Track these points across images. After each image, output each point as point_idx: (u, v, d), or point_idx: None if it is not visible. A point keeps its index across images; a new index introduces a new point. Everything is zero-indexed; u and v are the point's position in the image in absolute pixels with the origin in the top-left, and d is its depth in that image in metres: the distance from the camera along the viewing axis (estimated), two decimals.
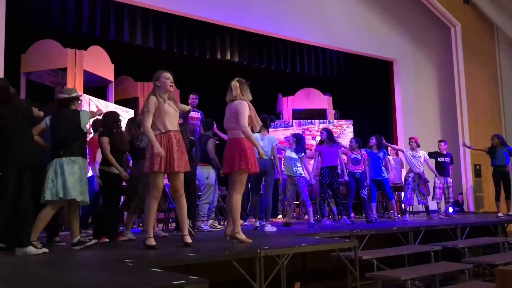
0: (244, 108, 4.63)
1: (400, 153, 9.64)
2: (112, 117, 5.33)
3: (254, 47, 10.23)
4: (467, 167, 11.65)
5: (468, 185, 11.61)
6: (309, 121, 10.99)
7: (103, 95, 8.36)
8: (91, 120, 5.78)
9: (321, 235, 5.48)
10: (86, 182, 4.49)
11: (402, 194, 10.20)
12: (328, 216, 7.81)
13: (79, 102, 4.77)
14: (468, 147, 10.15)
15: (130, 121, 5.84)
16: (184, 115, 6.99)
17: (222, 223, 7.59)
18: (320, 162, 7.52)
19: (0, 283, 2.73)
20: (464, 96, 11.83)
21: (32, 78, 7.97)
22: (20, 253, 3.82)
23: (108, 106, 7.97)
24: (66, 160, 4.30)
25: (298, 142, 7.21)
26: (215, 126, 6.93)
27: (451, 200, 8.99)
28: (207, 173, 6.59)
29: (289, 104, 11.33)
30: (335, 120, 11.25)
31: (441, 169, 8.76)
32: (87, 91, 7.90)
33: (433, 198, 8.79)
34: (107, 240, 5.02)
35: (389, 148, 8.87)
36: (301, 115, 11.66)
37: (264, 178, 6.56)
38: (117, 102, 8.76)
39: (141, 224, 7.03)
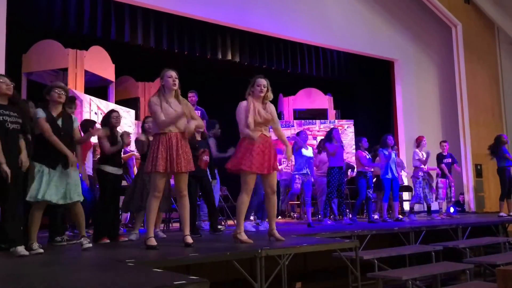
0: (238, 109, 4.64)
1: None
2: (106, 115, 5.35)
3: (255, 47, 10.23)
4: (468, 167, 11.64)
5: (469, 185, 11.60)
6: (310, 121, 10.99)
7: (104, 95, 8.37)
8: None
9: (322, 235, 5.48)
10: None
11: (405, 194, 10.23)
12: (329, 216, 7.80)
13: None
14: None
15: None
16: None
17: (223, 223, 7.59)
18: (328, 161, 7.49)
19: (1, 283, 2.74)
20: (465, 96, 11.81)
21: (33, 78, 7.98)
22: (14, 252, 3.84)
23: (109, 106, 7.98)
24: None
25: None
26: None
27: (452, 199, 8.99)
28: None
29: (290, 104, 11.33)
30: (336, 120, 11.25)
31: (443, 171, 8.76)
32: (88, 91, 7.90)
33: (436, 198, 8.79)
34: (108, 241, 5.02)
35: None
36: (302, 115, 11.66)
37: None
38: (118, 102, 8.77)
39: (142, 225, 7.02)
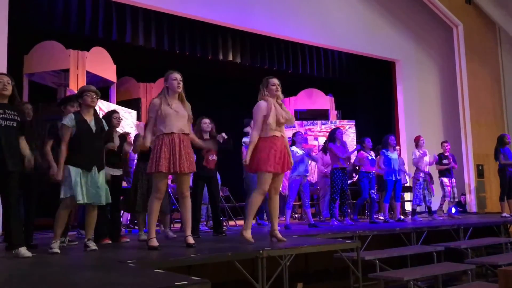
0: (256, 109, 4.62)
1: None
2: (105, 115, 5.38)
3: (256, 48, 10.23)
4: (469, 168, 11.63)
5: (470, 186, 11.59)
6: (311, 121, 10.99)
7: (105, 96, 8.37)
8: None
9: (324, 236, 5.48)
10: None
11: (406, 194, 10.22)
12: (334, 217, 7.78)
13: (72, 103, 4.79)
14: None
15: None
16: None
17: (224, 224, 7.58)
18: (332, 161, 7.47)
19: (5, 284, 2.74)
20: (466, 96, 11.81)
21: (34, 79, 7.99)
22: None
23: (110, 107, 7.99)
24: None
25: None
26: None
27: (455, 200, 8.98)
28: None
29: (291, 104, 11.33)
30: (338, 121, 11.25)
31: (446, 170, 8.75)
32: None
33: (443, 196, 8.80)
34: (110, 241, 5.02)
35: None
36: (303, 115, 11.67)
37: None
38: (119, 103, 8.78)
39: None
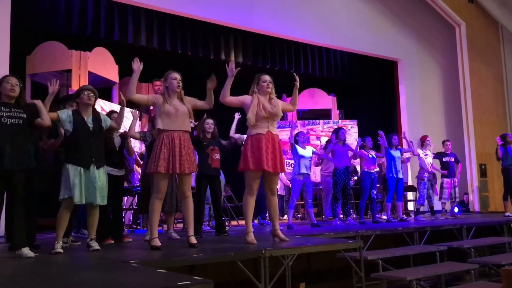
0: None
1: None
2: None
3: (258, 48, 10.22)
4: (472, 167, 11.60)
5: (473, 185, 11.56)
6: (314, 121, 10.98)
7: (108, 97, 8.38)
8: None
9: (326, 236, 5.47)
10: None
11: (409, 194, 10.20)
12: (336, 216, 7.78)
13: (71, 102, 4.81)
14: None
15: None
16: (145, 108, 6.90)
17: (226, 224, 7.58)
18: (332, 162, 7.46)
19: (8, 283, 2.75)
20: (469, 95, 11.78)
21: (37, 80, 8.00)
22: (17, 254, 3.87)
23: (112, 107, 7.99)
24: None
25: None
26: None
27: (457, 200, 8.96)
28: None
29: None
30: (340, 120, 11.24)
31: (448, 169, 8.73)
32: None
33: (440, 198, 8.77)
34: (112, 241, 5.03)
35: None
36: (305, 115, 11.66)
37: None
38: None
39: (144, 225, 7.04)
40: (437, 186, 8.75)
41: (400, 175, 7.82)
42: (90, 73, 7.89)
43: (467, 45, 11.91)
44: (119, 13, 8.41)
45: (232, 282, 4.61)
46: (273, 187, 4.71)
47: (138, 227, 7.36)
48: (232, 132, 6.38)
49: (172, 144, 4.25)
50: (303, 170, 7.02)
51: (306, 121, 10.96)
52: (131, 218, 7.85)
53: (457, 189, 8.83)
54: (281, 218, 9.05)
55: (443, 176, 8.75)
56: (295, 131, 7.44)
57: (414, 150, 8.41)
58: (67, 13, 7.91)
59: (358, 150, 7.61)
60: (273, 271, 4.01)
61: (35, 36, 7.95)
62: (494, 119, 12.15)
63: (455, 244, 6.18)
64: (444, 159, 8.79)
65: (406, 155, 8.69)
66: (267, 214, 7.70)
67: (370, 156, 7.67)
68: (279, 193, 7.32)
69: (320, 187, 8.91)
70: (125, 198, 7.54)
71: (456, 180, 8.82)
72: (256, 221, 8.03)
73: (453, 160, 8.83)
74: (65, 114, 4.32)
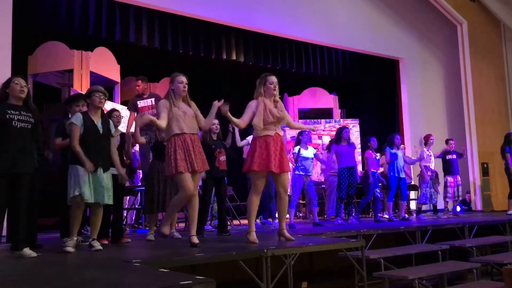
0: (247, 107, 4.70)
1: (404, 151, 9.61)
2: None
3: (259, 47, 10.22)
4: (474, 166, 11.58)
5: (476, 184, 11.55)
6: (315, 120, 10.97)
7: (109, 96, 8.34)
8: None
9: (328, 235, 5.48)
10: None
11: (412, 193, 10.20)
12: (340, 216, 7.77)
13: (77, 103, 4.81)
14: None
15: None
16: (133, 105, 6.92)
17: (228, 223, 7.58)
18: (337, 161, 7.45)
19: (11, 283, 2.75)
20: (471, 94, 11.76)
21: (39, 80, 8.02)
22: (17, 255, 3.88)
23: (114, 107, 7.99)
24: None
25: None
26: None
27: (459, 198, 8.96)
28: (203, 174, 6.57)
29: (295, 103, 11.32)
30: (341, 119, 11.22)
31: (451, 167, 8.71)
32: None
33: (445, 197, 8.75)
34: (106, 242, 5.00)
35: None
36: (307, 114, 11.64)
37: None
38: (123, 102, 8.79)
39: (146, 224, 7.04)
40: (440, 185, 8.74)
41: (402, 175, 7.81)
42: (91, 73, 7.90)
43: (469, 44, 11.89)
44: (120, 12, 8.41)
45: (234, 282, 4.61)
46: (285, 184, 4.72)
47: (140, 227, 7.37)
48: (239, 143, 6.63)
49: (185, 144, 4.32)
50: (304, 171, 7.04)
51: (308, 120, 10.95)
52: (133, 218, 7.87)
53: (460, 187, 8.81)
54: None
55: (446, 174, 8.74)
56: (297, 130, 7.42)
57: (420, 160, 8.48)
58: (68, 13, 7.92)
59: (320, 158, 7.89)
60: (275, 271, 4.01)
61: (37, 36, 7.97)
62: (496, 117, 12.13)
63: (457, 243, 6.16)
64: (447, 157, 8.78)
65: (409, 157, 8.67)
66: (268, 214, 7.72)
67: (377, 157, 7.67)
68: None
69: (323, 186, 8.91)
70: (127, 197, 7.55)
71: (460, 179, 8.80)
72: (257, 221, 8.03)
73: (455, 157, 8.81)
74: (79, 120, 4.30)
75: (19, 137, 3.93)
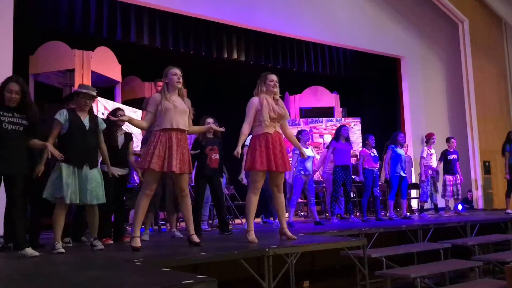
0: (249, 105, 4.66)
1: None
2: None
3: (260, 46, 10.22)
4: (476, 164, 11.57)
5: (477, 182, 11.53)
6: (317, 119, 10.97)
7: (110, 96, 8.40)
8: None
9: (330, 234, 5.47)
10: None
11: (412, 192, 10.19)
12: (337, 214, 7.78)
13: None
14: None
15: None
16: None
17: (230, 222, 7.59)
18: (333, 159, 7.44)
19: (12, 283, 2.76)
20: (472, 92, 11.74)
21: (40, 80, 8.02)
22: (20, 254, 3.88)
23: (116, 106, 8.00)
24: None
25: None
26: None
27: (459, 197, 8.94)
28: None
29: (296, 102, 11.32)
30: (343, 118, 11.22)
31: (451, 166, 8.71)
32: None
33: (443, 195, 8.74)
34: (111, 242, 5.01)
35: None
36: (308, 113, 11.63)
37: None
38: (124, 102, 8.80)
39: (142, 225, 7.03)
40: (440, 184, 8.73)
41: (404, 174, 7.81)
42: (93, 72, 7.90)
43: (470, 42, 11.87)
44: (121, 12, 8.42)
45: (236, 281, 4.61)
46: (279, 184, 4.71)
47: (142, 226, 7.36)
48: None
49: (169, 143, 4.19)
50: (305, 171, 7.03)
51: (309, 119, 10.95)
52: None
53: (459, 186, 8.79)
54: None
55: (445, 173, 8.73)
56: (298, 129, 7.44)
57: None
58: (70, 12, 7.93)
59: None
60: (277, 269, 4.01)
61: (38, 36, 7.97)
62: (498, 115, 12.11)
63: (459, 242, 6.16)
64: (448, 157, 8.77)
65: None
66: (269, 213, 7.71)
67: (372, 154, 7.67)
68: None
69: (323, 185, 8.91)
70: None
71: (459, 177, 8.79)
72: (259, 220, 8.03)
73: (456, 157, 8.80)
74: (63, 117, 4.27)
75: (10, 140, 3.89)
